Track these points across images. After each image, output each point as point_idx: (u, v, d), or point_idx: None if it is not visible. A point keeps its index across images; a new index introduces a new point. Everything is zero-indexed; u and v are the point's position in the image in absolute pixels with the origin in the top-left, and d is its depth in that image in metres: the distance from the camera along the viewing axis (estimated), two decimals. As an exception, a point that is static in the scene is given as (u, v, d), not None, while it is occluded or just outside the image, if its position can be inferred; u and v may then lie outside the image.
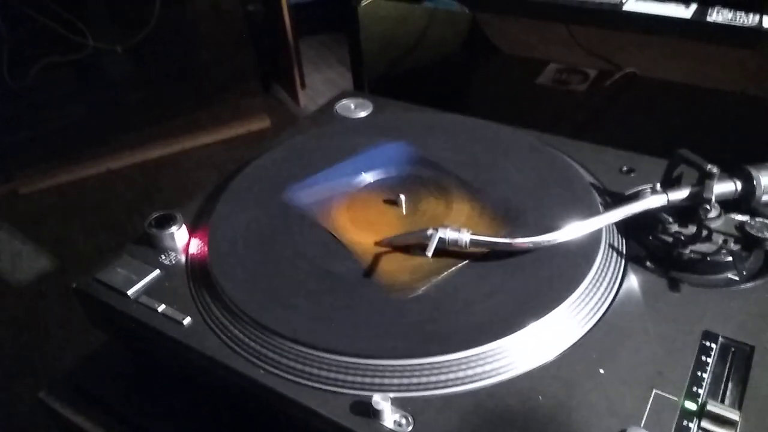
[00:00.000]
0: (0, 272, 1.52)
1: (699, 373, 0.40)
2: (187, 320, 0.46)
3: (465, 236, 0.47)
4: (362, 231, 0.53)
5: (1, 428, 1.16)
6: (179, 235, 0.53)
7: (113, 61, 1.94)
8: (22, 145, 1.83)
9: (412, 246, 0.50)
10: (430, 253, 0.47)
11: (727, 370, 0.41)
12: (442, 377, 0.40)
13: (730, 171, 0.50)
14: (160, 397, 0.52)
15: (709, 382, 0.40)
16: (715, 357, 0.42)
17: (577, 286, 0.45)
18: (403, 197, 0.55)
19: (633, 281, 0.48)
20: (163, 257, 0.52)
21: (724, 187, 0.49)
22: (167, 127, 1.96)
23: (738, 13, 0.65)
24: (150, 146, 1.91)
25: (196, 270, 0.51)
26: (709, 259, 0.47)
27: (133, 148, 1.90)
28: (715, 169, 0.47)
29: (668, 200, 0.49)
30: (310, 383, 0.41)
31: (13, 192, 1.80)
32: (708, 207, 0.47)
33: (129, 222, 1.65)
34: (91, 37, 1.83)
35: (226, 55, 2.05)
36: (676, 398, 0.39)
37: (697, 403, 0.39)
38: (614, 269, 0.48)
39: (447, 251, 0.49)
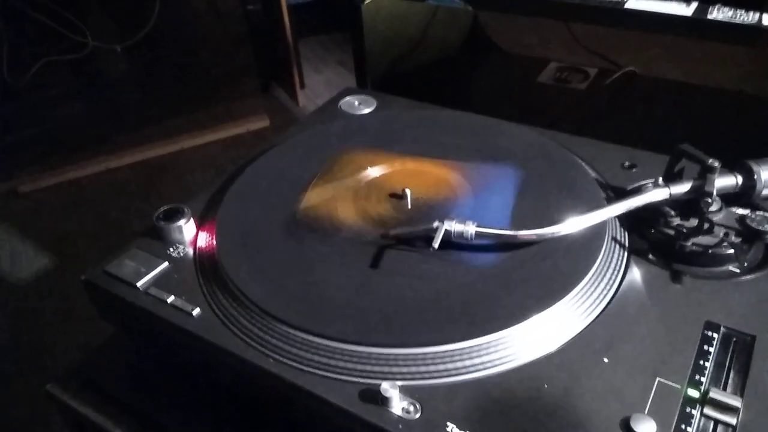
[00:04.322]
0: None
1: (701, 362, 0.41)
2: (196, 311, 0.47)
3: (470, 228, 0.48)
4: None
5: (1, 426, 1.16)
6: (187, 228, 0.54)
7: (112, 61, 1.95)
8: (21, 144, 1.83)
9: (418, 238, 0.50)
10: (436, 245, 0.47)
11: (728, 358, 0.42)
12: (450, 366, 0.41)
13: (730, 165, 0.51)
14: (167, 388, 0.52)
15: (711, 370, 0.41)
16: (717, 346, 0.42)
17: (581, 278, 0.46)
18: (408, 191, 0.55)
19: (636, 273, 0.48)
20: (172, 250, 0.53)
21: (725, 181, 0.50)
22: (166, 126, 1.96)
23: (738, 11, 0.66)
24: (149, 145, 1.92)
25: (205, 262, 0.51)
26: (710, 251, 0.48)
27: (132, 147, 1.91)
28: (716, 164, 0.48)
29: (670, 194, 0.49)
30: (319, 372, 0.42)
31: (13, 191, 1.80)
32: (709, 200, 0.48)
33: (128, 221, 1.65)
34: (90, 37, 1.84)
35: (226, 54, 2.05)
36: (679, 386, 0.40)
37: (699, 390, 0.39)
38: (617, 261, 0.49)
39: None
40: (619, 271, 0.48)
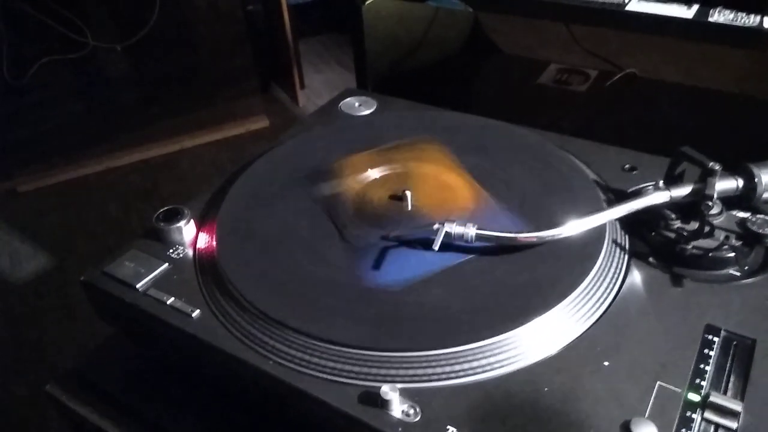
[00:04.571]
0: (-1, 270, 1.52)
1: (702, 366, 0.41)
2: (196, 313, 0.47)
3: (471, 230, 0.48)
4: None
5: (1, 426, 1.16)
6: (187, 229, 0.53)
7: (113, 60, 1.94)
8: (21, 144, 1.83)
9: (419, 240, 0.50)
10: (436, 247, 0.47)
11: (729, 362, 0.42)
12: (449, 368, 0.41)
13: (731, 168, 0.50)
14: (167, 389, 0.52)
15: (711, 374, 0.41)
16: (718, 350, 0.42)
17: (582, 281, 0.46)
18: (408, 193, 0.55)
19: (636, 276, 0.48)
20: (171, 251, 0.53)
21: (726, 184, 0.49)
22: (166, 126, 1.96)
23: (739, 14, 0.66)
24: (149, 145, 1.92)
25: (204, 263, 0.51)
26: (711, 254, 0.48)
27: (132, 147, 1.91)
28: (717, 167, 0.48)
29: (671, 197, 0.49)
30: (318, 374, 0.42)
31: (12, 190, 1.80)
32: (710, 203, 0.48)
33: (128, 221, 1.65)
34: (90, 36, 1.83)
35: (226, 54, 2.05)
36: (679, 390, 0.39)
37: (700, 394, 0.39)
38: (618, 264, 0.49)
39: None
40: (619, 274, 0.48)
